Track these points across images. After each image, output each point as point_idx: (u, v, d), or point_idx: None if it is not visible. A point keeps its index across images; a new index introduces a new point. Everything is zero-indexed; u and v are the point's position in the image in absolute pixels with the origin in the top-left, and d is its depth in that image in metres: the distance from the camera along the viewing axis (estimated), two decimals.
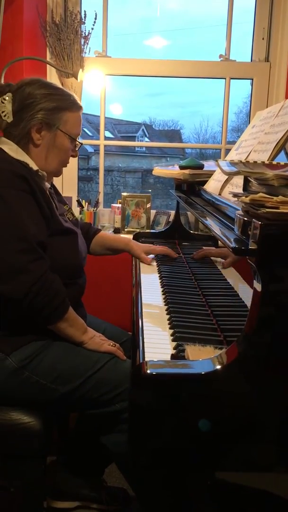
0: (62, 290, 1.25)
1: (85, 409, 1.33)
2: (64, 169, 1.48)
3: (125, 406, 1.21)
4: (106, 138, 2.83)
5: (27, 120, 1.35)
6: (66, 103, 1.39)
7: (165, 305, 1.31)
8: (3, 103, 1.35)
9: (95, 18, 2.51)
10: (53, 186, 1.53)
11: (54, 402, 1.28)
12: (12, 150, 1.34)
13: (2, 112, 1.35)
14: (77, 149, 1.47)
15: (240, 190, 1.11)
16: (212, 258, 1.87)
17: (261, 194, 0.81)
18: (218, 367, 0.83)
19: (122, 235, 2.64)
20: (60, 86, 1.46)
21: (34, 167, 1.34)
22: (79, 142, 1.46)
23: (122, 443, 1.22)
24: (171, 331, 1.12)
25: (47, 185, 1.44)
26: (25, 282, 1.19)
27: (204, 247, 1.99)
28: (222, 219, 1.15)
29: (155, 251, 1.80)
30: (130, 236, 2.21)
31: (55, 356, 1.28)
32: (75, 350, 1.30)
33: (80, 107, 1.44)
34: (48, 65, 2.55)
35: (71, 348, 1.30)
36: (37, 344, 1.29)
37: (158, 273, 1.62)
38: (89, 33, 2.53)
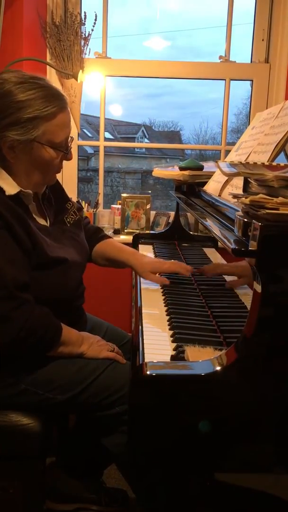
0: (52, 324, 1.21)
1: (85, 413, 1.33)
2: (63, 170, 1.39)
3: (125, 409, 1.21)
4: (106, 139, 2.83)
5: None
6: (43, 110, 1.18)
7: (165, 306, 1.30)
8: None
9: (95, 20, 2.51)
10: (51, 186, 1.41)
11: (53, 408, 1.27)
12: None
13: None
14: (67, 153, 1.29)
15: (240, 191, 1.10)
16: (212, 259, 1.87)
17: (261, 195, 0.80)
18: (218, 368, 0.82)
19: (122, 236, 2.64)
20: (39, 80, 1.22)
21: (13, 190, 1.20)
22: (64, 151, 1.27)
23: (122, 445, 1.21)
24: (171, 332, 1.12)
25: (42, 189, 1.36)
26: (10, 330, 1.14)
27: (217, 263, 1.80)
28: (222, 220, 1.15)
29: (162, 268, 1.51)
30: (129, 238, 2.21)
31: (52, 366, 1.25)
32: (72, 358, 1.27)
33: (63, 107, 1.22)
34: (48, 66, 2.55)
35: (68, 357, 1.27)
36: (32, 357, 1.25)
37: (158, 274, 1.62)
38: (89, 34, 2.53)
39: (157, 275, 1.51)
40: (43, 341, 1.19)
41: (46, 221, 1.36)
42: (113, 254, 1.57)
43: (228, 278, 1.59)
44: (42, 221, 1.34)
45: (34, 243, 1.21)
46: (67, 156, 1.30)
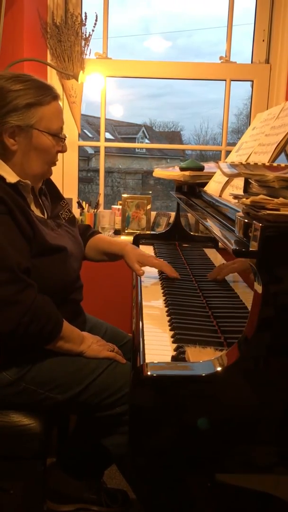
0: (54, 313, 1.21)
1: (85, 413, 1.33)
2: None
3: (126, 409, 1.21)
4: (107, 140, 2.83)
5: None
6: (38, 97, 1.24)
7: (166, 306, 1.30)
8: None
9: (96, 20, 2.51)
10: (46, 183, 1.44)
11: (54, 408, 1.27)
12: None
13: None
14: (62, 143, 1.33)
15: (240, 191, 1.10)
16: (211, 259, 1.87)
17: (261, 196, 0.81)
18: (219, 369, 0.82)
19: (122, 237, 2.64)
20: (29, 76, 1.29)
21: (13, 179, 1.23)
22: (62, 137, 1.32)
23: (123, 445, 1.21)
24: (172, 332, 1.12)
25: (38, 184, 1.38)
26: (14, 314, 1.14)
27: (220, 265, 1.74)
28: (223, 221, 1.15)
29: (149, 262, 1.57)
30: (130, 238, 2.21)
31: (52, 365, 1.26)
32: (72, 357, 1.27)
33: (55, 97, 1.29)
34: (48, 67, 2.55)
35: (68, 356, 1.27)
36: (32, 355, 1.26)
37: (159, 275, 1.62)
38: (89, 35, 2.53)
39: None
40: (44, 330, 1.19)
41: (43, 214, 1.38)
42: (106, 247, 1.62)
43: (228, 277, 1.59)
44: (39, 213, 1.35)
45: (34, 231, 1.23)
46: (63, 147, 1.34)
